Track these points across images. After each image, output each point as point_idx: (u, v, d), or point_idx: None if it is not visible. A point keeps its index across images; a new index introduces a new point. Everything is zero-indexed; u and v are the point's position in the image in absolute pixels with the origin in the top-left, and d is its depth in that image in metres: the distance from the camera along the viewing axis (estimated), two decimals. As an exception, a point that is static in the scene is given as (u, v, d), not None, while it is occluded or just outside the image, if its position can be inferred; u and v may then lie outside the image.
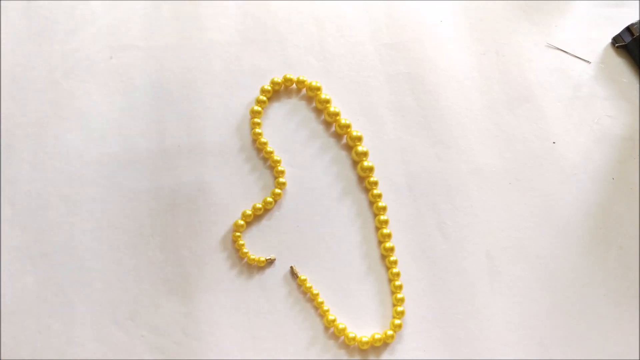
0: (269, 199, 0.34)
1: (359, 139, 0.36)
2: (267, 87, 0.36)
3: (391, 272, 0.33)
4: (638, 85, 0.40)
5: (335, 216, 0.34)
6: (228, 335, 0.31)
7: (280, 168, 0.35)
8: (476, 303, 0.33)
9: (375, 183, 0.35)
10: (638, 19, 0.41)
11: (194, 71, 0.37)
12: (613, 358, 0.32)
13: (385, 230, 0.34)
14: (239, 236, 0.33)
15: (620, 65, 0.40)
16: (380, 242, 0.34)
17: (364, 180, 0.35)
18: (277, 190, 0.34)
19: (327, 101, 0.36)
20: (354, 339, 0.31)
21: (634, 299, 0.33)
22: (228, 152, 0.35)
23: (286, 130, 0.36)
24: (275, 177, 0.35)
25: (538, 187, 0.36)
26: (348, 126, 0.36)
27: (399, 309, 0.32)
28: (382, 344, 0.31)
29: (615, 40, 0.41)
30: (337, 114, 0.36)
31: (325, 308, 0.32)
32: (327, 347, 0.31)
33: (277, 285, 0.33)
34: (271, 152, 0.35)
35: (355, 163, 0.36)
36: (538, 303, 0.33)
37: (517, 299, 0.33)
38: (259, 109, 0.36)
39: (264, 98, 0.36)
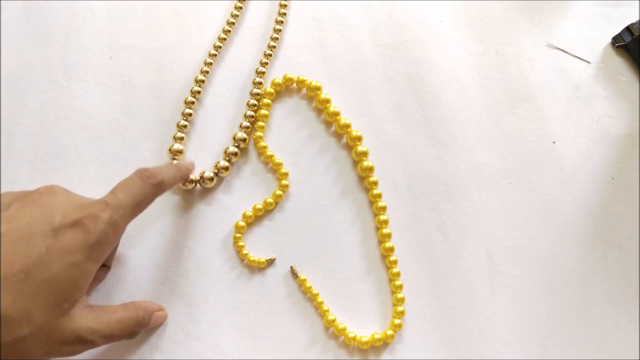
0: (270, 200, 0.34)
1: (359, 139, 0.36)
2: (270, 89, 0.36)
3: (391, 272, 0.33)
4: (638, 84, 0.40)
5: (335, 216, 0.34)
6: (228, 335, 0.31)
7: (283, 170, 0.35)
8: (476, 303, 0.33)
9: (375, 183, 0.35)
10: (638, 18, 0.41)
11: (194, 71, 0.37)
12: (613, 358, 0.32)
13: (385, 230, 0.34)
14: (239, 237, 0.33)
15: (620, 65, 0.40)
16: (380, 242, 0.34)
17: (364, 180, 0.35)
18: (279, 192, 0.34)
19: (327, 101, 0.36)
20: (354, 338, 0.31)
21: (633, 299, 0.33)
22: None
23: (286, 130, 0.36)
24: (279, 180, 0.35)
25: (538, 187, 0.36)
26: (348, 126, 0.36)
27: (399, 308, 0.32)
28: (382, 344, 0.31)
29: (615, 40, 0.41)
30: (337, 114, 0.36)
31: (325, 308, 0.32)
32: (327, 347, 0.31)
33: (277, 285, 0.33)
34: (272, 156, 0.35)
35: (355, 163, 0.36)
36: (538, 303, 0.33)
37: (517, 299, 0.33)
38: (266, 112, 0.36)
39: (268, 101, 0.36)
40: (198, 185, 0.34)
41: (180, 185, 0.33)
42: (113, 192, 0.26)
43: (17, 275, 0.21)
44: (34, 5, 0.38)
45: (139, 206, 0.26)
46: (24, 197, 0.24)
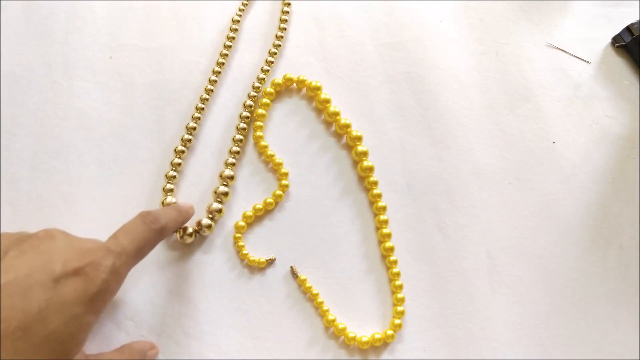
0: (270, 200, 0.34)
1: (359, 139, 0.36)
2: (270, 89, 0.36)
3: (391, 272, 0.33)
4: (638, 85, 0.40)
5: (335, 216, 0.34)
6: (228, 335, 0.31)
7: (283, 170, 0.35)
8: (476, 303, 0.33)
9: (375, 183, 0.35)
10: (638, 18, 0.41)
11: (194, 71, 0.37)
12: (613, 358, 0.32)
13: (385, 230, 0.34)
14: (239, 237, 0.33)
15: (620, 65, 0.40)
16: (380, 242, 0.34)
17: (364, 180, 0.35)
18: (279, 192, 0.34)
19: (327, 101, 0.36)
20: (354, 338, 0.31)
21: (633, 299, 0.33)
22: (229, 152, 0.35)
23: (286, 130, 0.36)
24: (279, 179, 0.35)
25: (538, 187, 0.36)
26: (348, 126, 0.36)
27: (399, 308, 0.32)
28: (382, 344, 0.31)
29: (615, 40, 0.41)
30: (337, 114, 0.36)
31: (325, 308, 0.32)
32: (327, 347, 0.31)
33: (277, 285, 0.33)
34: (272, 156, 0.35)
35: (355, 163, 0.36)
36: (538, 303, 0.33)
37: (517, 299, 0.33)
38: (263, 112, 0.36)
39: (268, 101, 0.36)
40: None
41: (178, 238, 0.32)
42: (115, 236, 0.25)
43: (15, 333, 0.20)
44: (34, 5, 0.38)
45: (141, 252, 0.25)
46: (21, 242, 0.23)
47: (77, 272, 0.22)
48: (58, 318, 0.21)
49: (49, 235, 0.24)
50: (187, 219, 0.31)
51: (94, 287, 0.22)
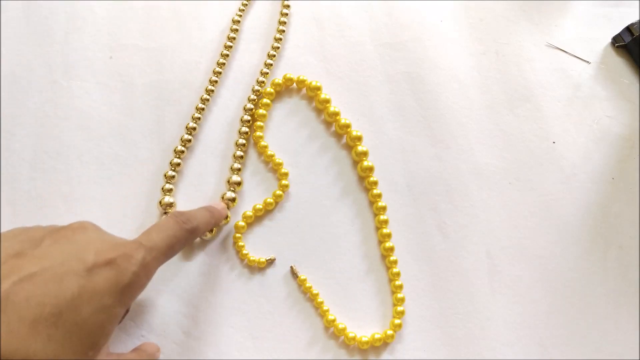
0: (270, 200, 0.34)
1: (359, 139, 0.36)
2: (270, 89, 0.36)
3: (391, 272, 0.33)
4: (638, 85, 0.40)
5: (335, 216, 0.34)
6: (228, 335, 0.31)
7: (283, 170, 0.35)
8: (476, 303, 0.33)
9: (375, 183, 0.35)
10: (638, 18, 0.41)
11: (194, 71, 0.37)
12: (613, 358, 0.32)
13: (385, 230, 0.34)
14: (239, 237, 0.33)
15: (620, 65, 0.40)
16: (380, 242, 0.34)
17: (364, 180, 0.35)
18: (279, 192, 0.34)
19: (327, 101, 0.36)
20: (354, 338, 0.31)
21: (634, 299, 0.33)
22: (228, 153, 0.35)
23: (286, 130, 0.36)
24: (279, 180, 0.35)
25: (538, 187, 0.36)
26: (348, 126, 0.36)
27: (399, 308, 0.32)
28: (382, 344, 0.31)
29: (615, 40, 0.41)
30: (337, 114, 0.36)
31: (325, 308, 0.32)
32: (327, 347, 0.31)
33: (277, 285, 0.33)
34: (272, 156, 0.35)
35: (355, 163, 0.36)
36: (538, 303, 0.33)
37: (517, 299, 0.33)
38: (264, 112, 0.36)
39: (268, 101, 0.36)
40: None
41: None
42: (148, 232, 0.25)
43: (48, 319, 0.20)
44: (34, 5, 0.38)
45: (172, 250, 0.26)
46: (55, 232, 0.23)
47: (109, 263, 0.22)
48: (89, 307, 0.21)
49: (82, 226, 0.24)
50: (219, 220, 0.31)
51: (124, 278, 0.22)
